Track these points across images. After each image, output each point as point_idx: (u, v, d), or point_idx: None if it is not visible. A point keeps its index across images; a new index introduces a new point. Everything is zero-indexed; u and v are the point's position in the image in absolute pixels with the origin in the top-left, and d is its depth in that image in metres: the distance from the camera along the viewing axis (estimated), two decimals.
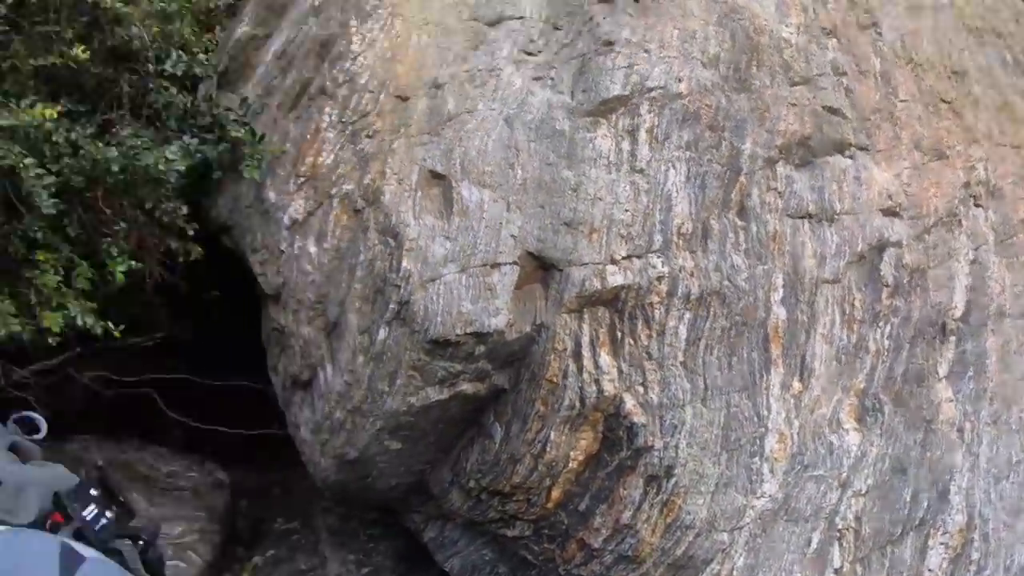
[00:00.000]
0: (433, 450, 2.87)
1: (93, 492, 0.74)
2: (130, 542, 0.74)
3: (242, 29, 3.61)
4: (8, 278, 2.82)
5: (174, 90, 3.30)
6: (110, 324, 2.93)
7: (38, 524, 0.69)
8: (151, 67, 3.25)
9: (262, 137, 3.25)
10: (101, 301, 3.08)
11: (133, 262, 3.01)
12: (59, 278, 2.83)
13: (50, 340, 2.81)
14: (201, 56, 3.45)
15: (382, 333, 2.67)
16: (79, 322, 2.82)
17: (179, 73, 3.27)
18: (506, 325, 2.54)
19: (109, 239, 3.01)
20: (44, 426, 0.85)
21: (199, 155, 3.25)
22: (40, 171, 2.65)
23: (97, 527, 0.71)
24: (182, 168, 3.06)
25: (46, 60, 3.05)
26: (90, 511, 0.72)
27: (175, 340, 4.29)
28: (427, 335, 2.52)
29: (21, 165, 2.60)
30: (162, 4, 3.24)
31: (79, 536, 0.69)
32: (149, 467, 4.31)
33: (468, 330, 2.52)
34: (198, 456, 4.43)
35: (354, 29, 3.08)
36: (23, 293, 2.84)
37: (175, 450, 4.47)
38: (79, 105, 3.23)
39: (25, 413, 0.89)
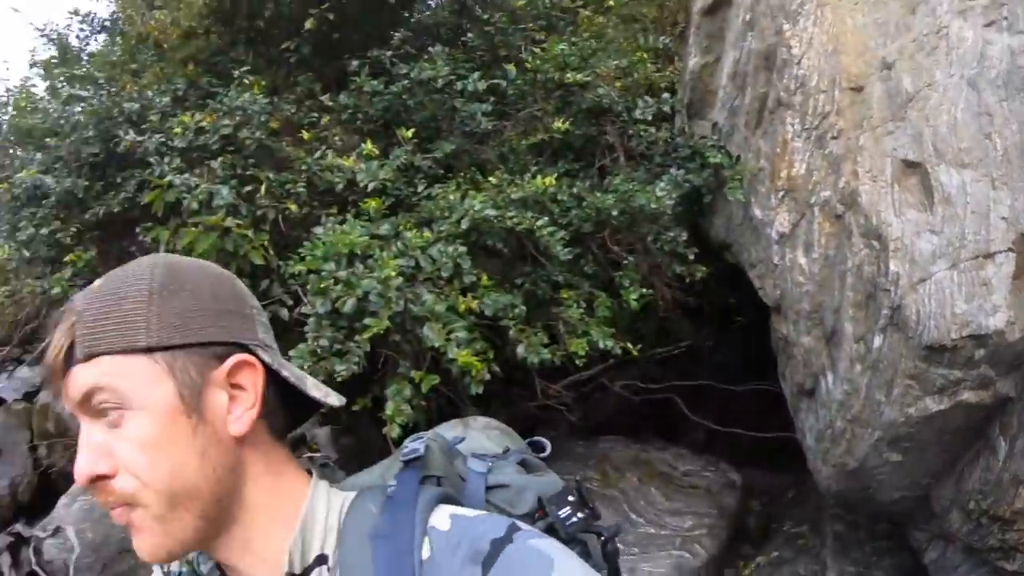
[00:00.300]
0: (936, 463, 3.30)
1: (570, 498, 1.10)
2: (594, 536, 1.13)
3: (693, 60, 4.72)
4: (540, 315, 4.36)
5: (652, 130, 4.58)
6: (628, 344, 4.21)
7: (527, 517, 1.09)
8: (625, 116, 4.53)
9: (737, 159, 4.38)
10: (626, 322, 4.38)
11: (644, 290, 4.28)
12: (581, 311, 4.21)
13: (577, 362, 4.13)
14: (666, 96, 4.74)
15: (877, 340, 3.24)
16: (601, 345, 4.07)
17: (649, 117, 4.45)
18: (1006, 324, 2.83)
19: (621, 272, 4.36)
20: (548, 447, 1.29)
21: (687, 184, 4.51)
22: (552, 228, 4.09)
23: (567, 524, 1.08)
24: (672, 201, 4.28)
25: (536, 138, 4.61)
26: (565, 511, 1.03)
27: (697, 349, 5.84)
28: (921, 341, 2.96)
29: (536, 227, 4.06)
30: (616, 62, 4.49)
31: (550, 529, 1.00)
32: (668, 466, 5.80)
33: (964, 333, 2.88)
34: (714, 457, 5.81)
35: (789, 33, 3.77)
36: (552, 325, 4.35)
37: (694, 451, 5.93)
38: (574, 164, 4.79)
39: (536, 439, 1.30)
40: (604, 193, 4.35)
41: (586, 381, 5.14)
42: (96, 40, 6.88)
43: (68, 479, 8.10)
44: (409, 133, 4.29)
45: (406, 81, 4.46)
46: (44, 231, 4.10)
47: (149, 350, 0.79)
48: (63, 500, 7.00)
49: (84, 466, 0.80)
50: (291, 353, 3.38)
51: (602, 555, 1.08)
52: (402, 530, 0.83)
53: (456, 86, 4.53)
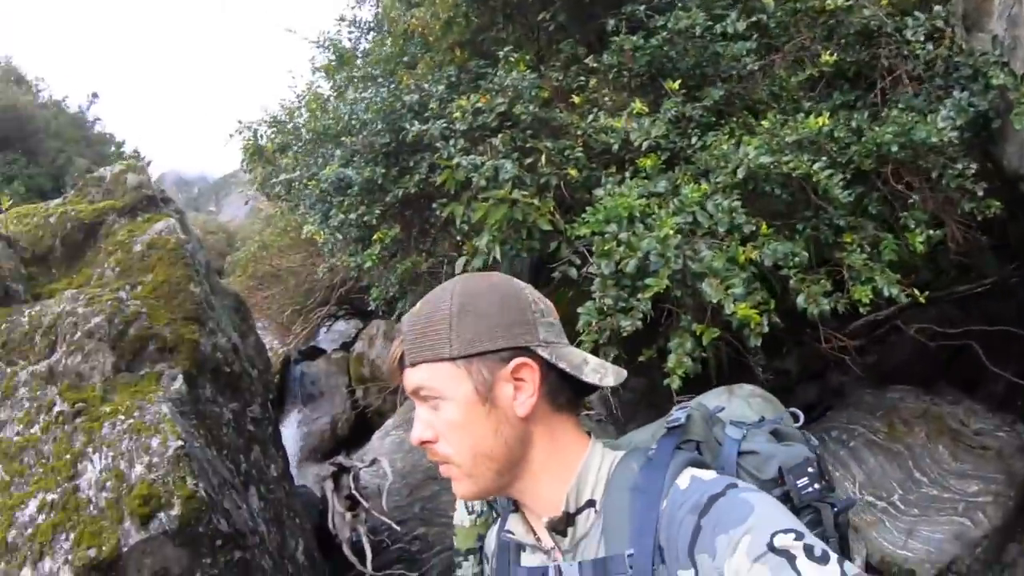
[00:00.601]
0: None
1: (810, 469, 1.15)
2: (829, 506, 1.15)
3: None
4: (822, 260, 4.14)
5: (929, 48, 4.10)
6: (915, 291, 3.91)
7: (770, 483, 1.13)
8: (896, 38, 4.14)
9: (1022, 78, 3.70)
10: (920, 258, 4.08)
11: (932, 231, 3.95)
12: (865, 255, 3.97)
13: (860, 310, 3.89)
14: (937, 8, 4.24)
15: None
16: (885, 292, 3.82)
17: (921, 37, 4.06)
18: None
19: (906, 212, 4.04)
20: (802, 418, 1.35)
21: (971, 109, 4.03)
22: (830, 171, 3.86)
23: (802, 492, 1.12)
24: (955, 132, 3.85)
25: (804, 75, 4.38)
26: (802, 481, 1.13)
27: (1003, 286, 5.30)
28: None
29: (813, 170, 3.86)
30: None
31: (785, 496, 1.11)
32: (959, 422, 5.36)
33: None
34: (1010, 415, 5.29)
35: None
36: (836, 271, 4.13)
37: (989, 406, 5.41)
38: (849, 94, 4.43)
39: (793, 409, 1.38)
40: (882, 126, 4.02)
41: (880, 323, 4.82)
42: (366, 39, 7.51)
43: (381, 416, 9.23)
44: (676, 84, 4.25)
45: (664, 32, 4.39)
46: (352, 216, 4.62)
47: (452, 359, 1.08)
48: (377, 435, 7.94)
49: (416, 434, 1.13)
50: (580, 310, 3.56)
51: (834, 525, 1.16)
52: (654, 486, 1.05)
53: (715, 29, 4.39)
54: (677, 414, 1.20)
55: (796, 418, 1.32)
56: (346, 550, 4.70)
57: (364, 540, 4.74)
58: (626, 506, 1.06)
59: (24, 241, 4.18)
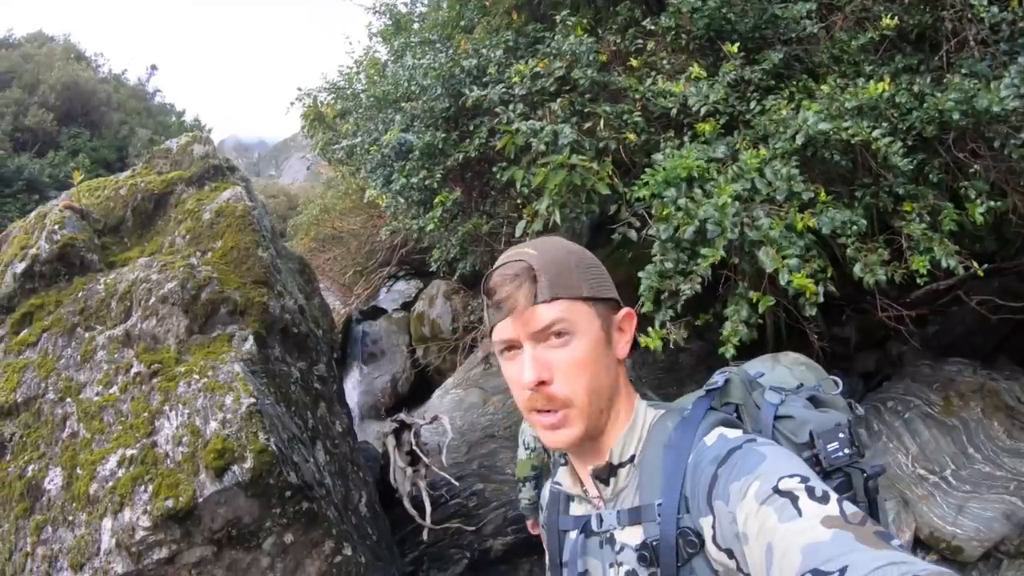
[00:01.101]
0: None
1: (840, 435, 1.18)
2: (859, 472, 1.18)
3: None
4: (883, 227, 4.01)
5: (994, 10, 3.90)
6: (974, 263, 3.76)
7: (804, 447, 1.18)
8: (960, 1, 3.93)
9: None
10: (985, 227, 3.89)
11: (992, 202, 3.78)
12: (924, 225, 3.86)
13: (919, 281, 3.78)
14: None
15: None
16: (943, 264, 3.70)
17: (986, 1, 3.84)
18: None
19: (967, 182, 3.88)
20: (841, 384, 1.38)
21: None
22: (890, 139, 3.71)
23: (832, 456, 1.17)
24: (1017, 103, 3.63)
25: (865, 37, 4.22)
26: (832, 445, 1.17)
27: None
28: None
29: (871, 137, 3.72)
30: None
31: (814, 459, 1.16)
32: (1016, 399, 5.20)
33: None
34: None
35: None
36: (894, 240, 3.99)
37: None
38: (911, 58, 4.23)
39: (832, 377, 1.41)
40: (944, 93, 3.85)
41: (941, 292, 4.66)
42: (422, 4, 7.45)
43: (440, 375, 9.38)
44: (735, 47, 4.14)
45: None
46: (413, 180, 4.63)
47: (586, 299, 1.15)
48: (437, 393, 8.07)
49: (534, 375, 1.12)
50: (640, 273, 3.54)
51: (864, 490, 1.19)
52: (684, 442, 1.11)
53: None
54: (716, 377, 1.29)
55: (836, 385, 1.34)
56: (406, 503, 4.80)
57: (424, 495, 4.84)
58: (659, 461, 1.13)
59: (96, 212, 4.29)
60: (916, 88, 4.00)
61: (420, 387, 9.56)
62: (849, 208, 3.83)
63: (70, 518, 2.98)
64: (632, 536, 1.14)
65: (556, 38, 4.35)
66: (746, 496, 0.96)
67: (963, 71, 4.05)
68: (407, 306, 10.85)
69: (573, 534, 1.26)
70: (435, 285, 10.08)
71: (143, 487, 2.94)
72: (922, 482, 4.78)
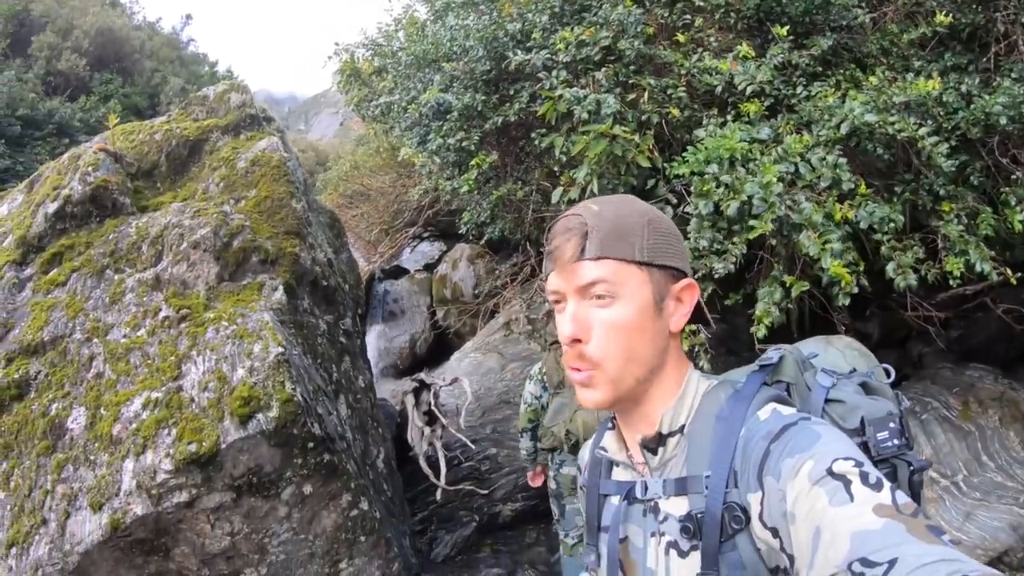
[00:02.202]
0: None
1: (891, 424, 1.11)
2: (905, 464, 1.11)
3: None
4: (918, 226, 3.86)
5: None
6: (1007, 270, 3.61)
7: (853, 433, 1.10)
8: (1016, 2, 3.73)
9: None
10: (1020, 236, 3.75)
11: None
12: (962, 227, 3.71)
13: (951, 283, 3.63)
14: None
15: None
16: (977, 268, 3.55)
17: None
18: None
19: (1008, 188, 3.72)
20: (893, 374, 1.29)
21: None
22: (935, 138, 3.55)
23: (881, 445, 1.09)
24: None
25: (916, 32, 4.01)
26: (882, 435, 1.10)
27: None
28: None
29: (917, 135, 3.56)
30: None
31: (863, 446, 1.09)
32: None
33: None
34: None
35: None
36: (930, 239, 3.84)
37: None
38: (961, 56, 4.05)
39: (885, 365, 1.32)
40: (992, 95, 3.67)
41: (968, 297, 4.51)
42: None
43: (459, 339, 9.30)
44: (784, 30, 3.94)
45: None
46: (451, 140, 4.47)
47: (640, 263, 1.08)
48: (455, 356, 7.99)
49: (571, 331, 1.08)
50: None
51: (908, 483, 1.12)
52: (737, 415, 1.06)
53: None
54: (771, 354, 1.22)
55: (888, 374, 1.27)
56: (422, 463, 4.73)
57: (440, 455, 4.76)
58: (709, 432, 1.07)
59: (130, 156, 4.18)
60: (964, 88, 3.84)
61: (438, 349, 9.48)
62: (888, 203, 3.68)
63: (92, 458, 2.91)
64: (677, 507, 1.09)
65: (604, 7, 4.16)
66: (798, 475, 0.92)
67: (1012, 75, 3.87)
68: (429, 268, 10.74)
69: (615, 499, 1.21)
70: (459, 248, 9.94)
71: (167, 430, 2.86)
72: (933, 485, 4.65)
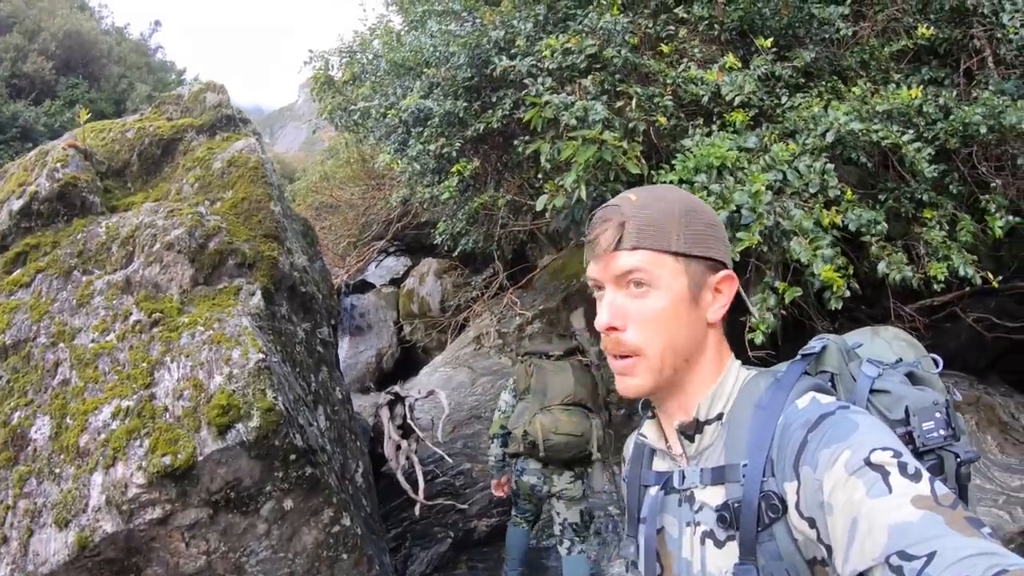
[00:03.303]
0: None
1: (937, 414, 1.07)
2: (952, 456, 1.07)
3: None
4: (899, 233, 3.89)
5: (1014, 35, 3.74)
6: (989, 274, 3.66)
7: (898, 423, 1.07)
8: (992, 20, 3.81)
9: None
10: (987, 247, 3.81)
11: (1012, 216, 3.67)
12: (943, 233, 3.75)
13: (935, 287, 3.66)
14: None
15: None
16: (960, 272, 3.60)
17: (1018, 24, 3.72)
18: None
19: (987, 196, 3.76)
20: (940, 364, 1.27)
21: None
22: (918, 144, 3.59)
23: (927, 435, 1.06)
24: None
25: (897, 44, 4.04)
26: (928, 425, 1.06)
27: None
28: None
29: (901, 141, 3.60)
30: None
31: (908, 436, 1.05)
32: (1010, 415, 5.09)
33: None
34: None
35: None
36: (912, 245, 3.87)
37: None
38: (939, 70, 4.11)
39: (932, 355, 1.29)
40: (971, 106, 3.73)
41: (938, 307, 4.56)
42: None
43: (427, 353, 9.12)
44: (767, 42, 3.94)
45: None
46: (431, 147, 4.36)
47: (675, 254, 1.08)
48: (425, 370, 7.81)
49: (607, 319, 1.09)
50: None
51: (955, 475, 1.08)
52: (776, 404, 1.04)
53: None
54: (813, 343, 1.19)
55: (936, 363, 1.26)
56: (399, 477, 4.56)
57: (417, 469, 4.60)
58: (748, 420, 1.06)
59: (101, 154, 3.97)
60: (941, 100, 3.89)
61: (405, 364, 9.31)
62: (873, 209, 3.70)
63: (57, 471, 2.69)
64: (713, 496, 1.08)
65: (590, 15, 4.11)
66: (835, 465, 0.90)
67: (990, 88, 3.93)
68: (396, 282, 10.57)
69: (653, 490, 1.20)
70: (426, 263, 9.80)
71: (139, 441, 2.66)
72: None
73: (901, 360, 1.24)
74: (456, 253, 5.82)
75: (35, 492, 2.65)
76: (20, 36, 19.29)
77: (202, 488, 2.67)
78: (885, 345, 1.28)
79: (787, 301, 3.39)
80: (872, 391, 1.14)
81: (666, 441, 1.20)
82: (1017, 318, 4.91)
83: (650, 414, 1.24)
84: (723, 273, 1.12)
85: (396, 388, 5.12)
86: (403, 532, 5.12)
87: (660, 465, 1.23)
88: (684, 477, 1.13)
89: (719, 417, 1.12)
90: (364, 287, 10.67)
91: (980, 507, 4.50)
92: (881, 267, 3.55)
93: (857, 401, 1.12)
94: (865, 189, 3.97)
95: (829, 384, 1.16)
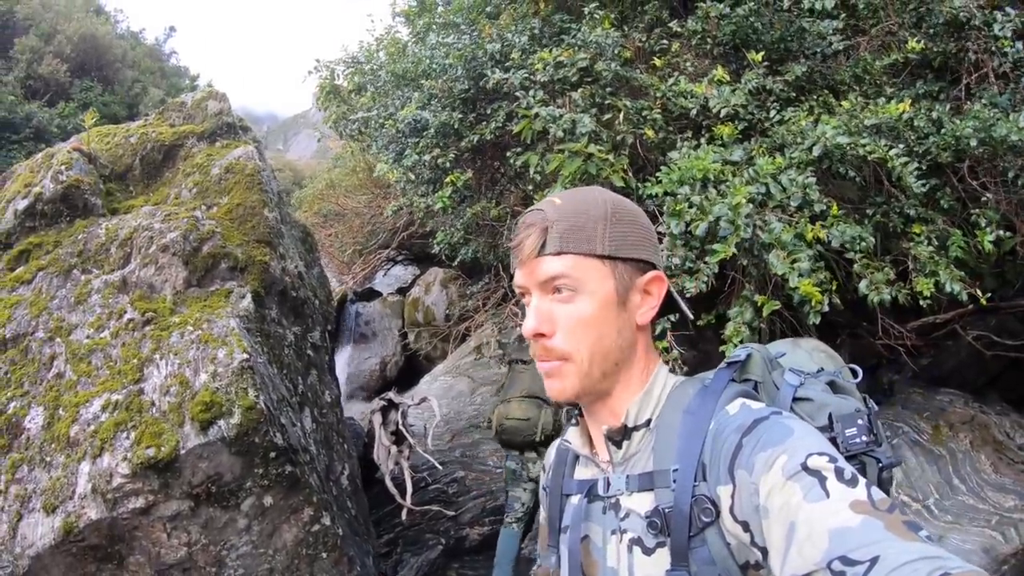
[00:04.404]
0: None
1: (859, 421, 1.13)
2: (875, 461, 1.13)
3: None
4: (888, 248, 3.97)
5: (1018, 47, 3.88)
6: (977, 291, 3.70)
7: (822, 430, 1.08)
8: (985, 32, 3.90)
9: None
10: (987, 264, 3.86)
11: (1003, 232, 3.72)
12: (932, 249, 3.79)
13: (922, 303, 3.71)
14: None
15: None
16: (947, 288, 3.64)
17: (1008, 34, 3.80)
18: None
19: (978, 210, 3.80)
20: (860, 373, 1.30)
21: None
22: (905, 159, 3.66)
23: (849, 441, 1.11)
24: None
25: (890, 57, 4.15)
26: (851, 431, 1.12)
27: None
28: None
29: (889, 156, 3.67)
30: None
31: (832, 442, 1.07)
32: (1005, 434, 5.11)
33: None
34: None
35: None
36: (901, 261, 3.94)
37: None
38: (933, 84, 4.19)
39: (851, 366, 1.33)
40: (963, 120, 3.81)
41: (939, 325, 4.62)
42: None
43: (430, 362, 9.28)
44: (759, 56, 4.07)
45: (751, 3, 4.20)
46: (426, 157, 4.54)
47: (601, 256, 1.08)
48: (425, 379, 7.96)
49: (533, 325, 1.09)
50: None
51: (877, 480, 1.13)
52: (705, 409, 1.06)
53: (803, 4, 4.19)
54: (738, 352, 1.22)
55: (855, 374, 1.30)
56: (388, 482, 4.70)
57: (407, 475, 4.74)
58: (677, 426, 1.07)
59: (105, 158, 4.19)
60: (935, 114, 3.97)
61: (408, 372, 9.45)
62: (860, 224, 3.78)
63: (48, 459, 2.88)
64: (640, 503, 1.08)
65: (583, 29, 4.27)
66: (772, 469, 0.91)
67: (983, 102, 4.01)
68: (402, 291, 10.73)
69: (576, 498, 1.20)
70: (432, 272, 9.96)
71: (125, 434, 2.84)
72: (904, 508, 4.71)
73: (822, 370, 1.27)
74: (456, 263, 5.97)
75: (26, 479, 2.83)
76: (36, 38, 19.83)
77: (184, 481, 2.83)
78: (806, 355, 1.31)
79: (765, 314, 3.48)
80: (795, 399, 1.17)
81: (592, 447, 1.20)
82: (1017, 336, 4.96)
83: (575, 420, 1.25)
84: (651, 274, 1.12)
85: (390, 394, 5.27)
86: (395, 538, 5.24)
87: (583, 473, 1.24)
88: (609, 484, 1.14)
89: (647, 423, 1.12)
90: (371, 295, 10.85)
91: (973, 527, 4.54)
92: (862, 287, 3.61)
93: (781, 408, 1.14)
94: (853, 206, 4.06)
95: (753, 391, 1.18)
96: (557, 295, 1.09)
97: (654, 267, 1.14)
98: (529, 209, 1.15)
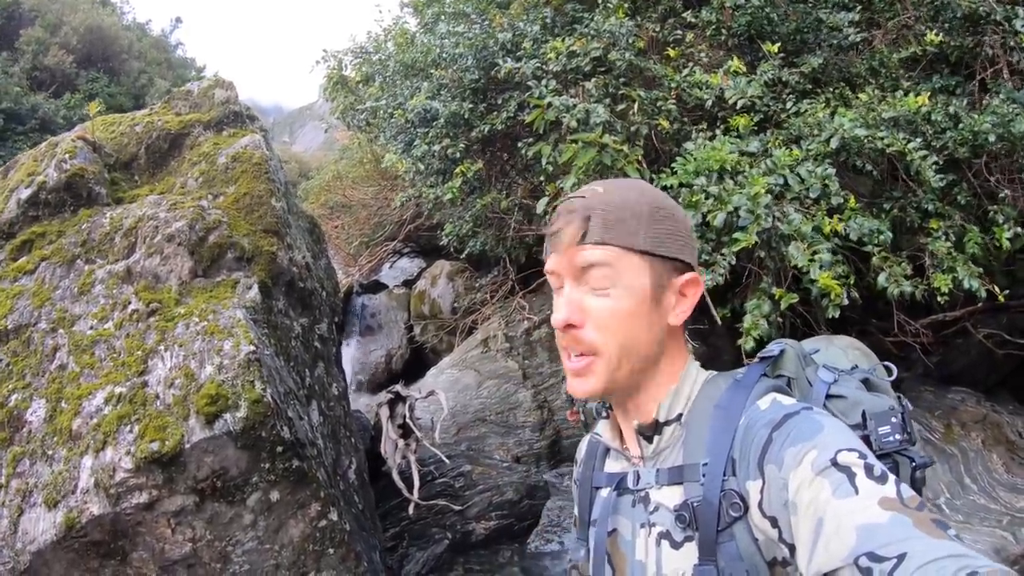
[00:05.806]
0: None
1: (893, 419, 1.11)
2: (908, 460, 1.10)
3: None
4: (905, 243, 3.89)
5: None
6: (995, 288, 3.64)
7: (855, 428, 1.07)
8: (1004, 27, 3.78)
9: None
10: (1000, 261, 3.78)
11: (1020, 229, 3.65)
12: (949, 244, 3.72)
13: (939, 300, 3.67)
14: None
15: None
16: (965, 285, 3.59)
17: None
18: None
19: (995, 207, 3.72)
20: (895, 372, 1.29)
21: None
22: (924, 152, 3.59)
23: (883, 439, 1.09)
24: None
25: (907, 51, 4.02)
26: (884, 429, 1.10)
27: None
28: None
29: (907, 149, 3.60)
30: None
31: (865, 440, 1.07)
32: (1017, 433, 5.02)
33: None
34: None
35: None
36: (917, 256, 3.86)
37: None
38: (950, 79, 4.10)
39: (886, 363, 1.31)
40: (981, 114, 3.71)
41: (949, 323, 4.53)
42: None
43: (436, 355, 9.19)
44: (775, 47, 3.97)
45: None
46: (436, 147, 4.44)
47: (641, 252, 1.05)
48: (431, 372, 7.85)
49: (564, 315, 1.06)
50: None
51: (910, 479, 1.10)
52: (736, 404, 1.04)
53: None
54: (772, 347, 1.20)
55: (890, 372, 1.27)
56: (394, 475, 4.61)
57: (413, 469, 4.65)
58: (707, 420, 1.06)
59: (110, 147, 4.08)
60: (951, 109, 3.88)
61: (414, 364, 9.36)
62: (878, 217, 3.70)
63: (49, 452, 2.78)
64: (670, 496, 1.07)
65: (596, 19, 4.16)
66: (801, 464, 0.90)
67: (1001, 96, 3.92)
68: (409, 283, 10.63)
69: (605, 491, 1.19)
70: (439, 265, 9.85)
71: (128, 427, 2.74)
72: (933, 507, 4.62)
73: (856, 367, 1.25)
74: (464, 255, 5.88)
75: (27, 472, 2.74)
76: (42, 30, 19.74)
77: (189, 475, 2.74)
78: (840, 352, 1.29)
79: (783, 307, 3.40)
80: (829, 396, 1.15)
81: (622, 441, 1.19)
82: None
83: (605, 414, 1.23)
84: (688, 276, 1.10)
85: (397, 387, 5.18)
86: (401, 532, 5.16)
87: (613, 466, 1.22)
88: (639, 478, 1.12)
89: (678, 418, 1.11)
90: (377, 287, 10.75)
91: (983, 527, 4.45)
92: (881, 279, 3.54)
93: (814, 405, 1.10)
94: (871, 197, 3.97)
95: (785, 386, 1.15)
96: (592, 286, 1.06)
97: (691, 269, 1.11)
98: (570, 195, 1.12)
